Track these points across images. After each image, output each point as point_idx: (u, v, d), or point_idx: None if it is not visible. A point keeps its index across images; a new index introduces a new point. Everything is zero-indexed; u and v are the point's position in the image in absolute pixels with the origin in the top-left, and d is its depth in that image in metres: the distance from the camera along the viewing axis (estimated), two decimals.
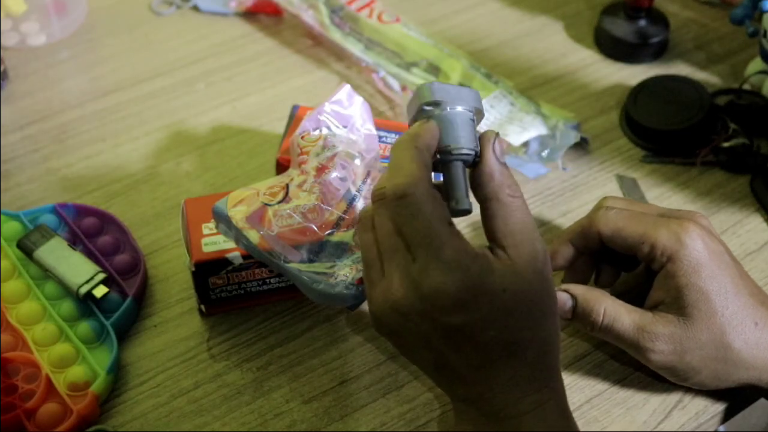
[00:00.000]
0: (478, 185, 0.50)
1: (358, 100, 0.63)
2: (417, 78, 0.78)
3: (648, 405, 0.60)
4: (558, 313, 0.52)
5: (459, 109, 0.51)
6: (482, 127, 0.54)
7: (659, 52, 0.84)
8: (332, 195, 0.57)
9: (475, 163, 0.51)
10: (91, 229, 0.67)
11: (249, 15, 0.88)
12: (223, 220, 0.57)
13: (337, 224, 0.57)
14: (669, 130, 0.75)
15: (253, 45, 0.85)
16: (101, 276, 0.62)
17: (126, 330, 0.63)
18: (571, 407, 0.52)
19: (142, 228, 0.69)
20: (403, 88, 0.78)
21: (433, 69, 0.79)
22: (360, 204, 0.58)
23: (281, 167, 0.67)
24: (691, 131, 0.75)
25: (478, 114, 0.52)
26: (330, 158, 0.58)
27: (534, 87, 0.81)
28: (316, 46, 0.84)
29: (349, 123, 0.61)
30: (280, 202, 0.57)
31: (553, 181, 0.74)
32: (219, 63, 0.83)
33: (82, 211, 0.69)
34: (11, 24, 0.82)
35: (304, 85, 0.81)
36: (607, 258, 0.62)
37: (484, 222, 0.51)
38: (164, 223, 0.70)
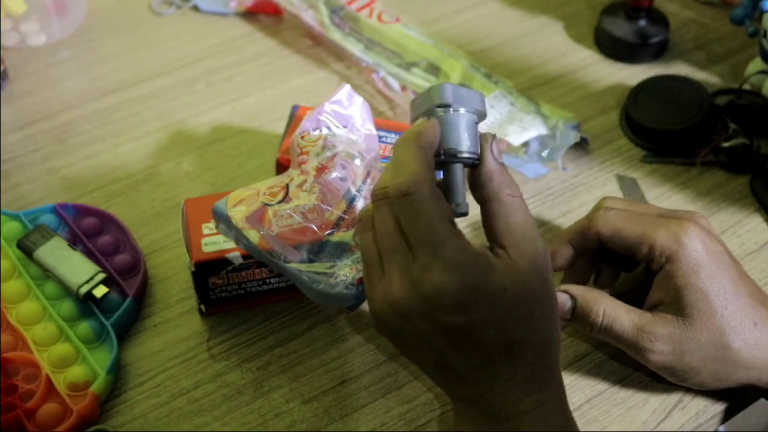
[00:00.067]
0: (478, 186, 0.51)
1: (358, 100, 0.63)
2: (417, 78, 0.78)
3: (648, 405, 0.60)
4: (558, 314, 0.52)
5: (463, 111, 0.51)
6: (482, 128, 0.54)
7: (659, 52, 0.84)
8: (332, 195, 0.57)
9: (473, 164, 0.51)
10: (91, 229, 0.67)
11: (249, 15, 0.88)
12: (223, 220, 0.57)
13: (337, 224, 0.57)
14: (669, 130, 0.75)
15: (253, 45, 0.85)
16: (101, 276, 0.62)
17: (126, 330, 0.63)
18: (571, 407, 0.52)
19: (142, 228, 0.69)
20: (403, 88, 0.78)
21: (433, 69, 0.79)
22: (360, 204, 0.58)
23: (281, 167, 0.67)
24: (691, 131, 0.75)
25: (481, 116, 0.52)
26: (330, 158, 0.58)
27: (534, 87, 0.81)
28: (316, 46, 0.84)
29: (349, 123, 0.61)
30: (280, 202, 0.57)
31: (553, 181, 0.74)
32: (219, 63, 0.83)
33: (82, 211, 0.69)
34: (11, 24, 0.82)
35: (304, 85, 0.81)
36: (607, 258, 0.62)
37: (484, 222, 0.51)
38: (164, 223, 0.70)
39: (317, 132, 0.60)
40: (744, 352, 0.56)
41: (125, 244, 0.67)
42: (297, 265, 0.55)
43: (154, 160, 0.75)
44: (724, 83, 0.82)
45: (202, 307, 0.63)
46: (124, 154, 0.75)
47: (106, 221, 0.68)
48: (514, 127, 0.73)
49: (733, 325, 0.55)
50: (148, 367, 0.62)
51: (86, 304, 0.62)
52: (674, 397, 0.60)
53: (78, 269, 0.62)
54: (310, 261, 0.56)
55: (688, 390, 0.60)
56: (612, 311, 0.56)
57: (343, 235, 0.57)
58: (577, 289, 0.58)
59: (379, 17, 0.82)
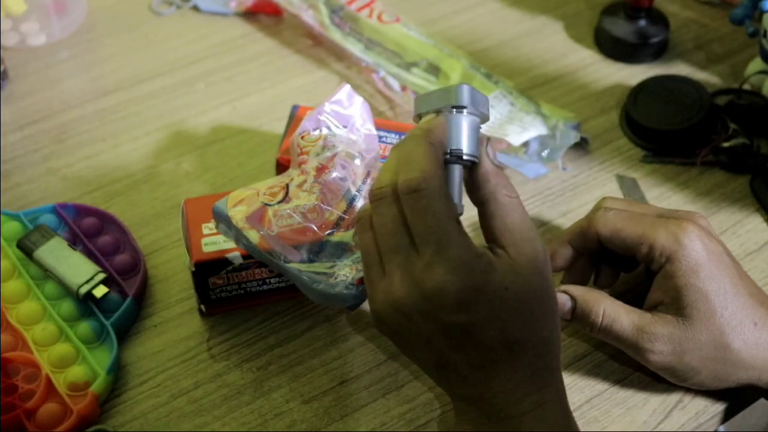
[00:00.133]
0: (475, 187, 0.51)
1: (358, 100, 0.63)
2: (417, 78, 0.78)
3: (648, 405, 0.60)
4: (558, 313, 0.52)
5: (473, 113, 0.51)
6: (482, 128, 0.54)
7: (659, 52, 0.84)
8: (332, 195, 0.57)
9: (471, 166, 0.51)
10: (91, 229, 0.67)
11: (249, 15, 0.88)
12: (223, 220, 0.57)
13: (337, 224, 0.57)
14: (669, 130, 0.75)
15: (253, 45, 0.85)
16: (101, 276, 0.62)
17: (126, 330, 0.63)
18: (571, 407, 0.52)
19: (142, 228, 0.69)
20: (403, 88, 0.78)
21: (433, 69, 0.79)
22: (360, 204, 0.58)
23: (281, 167, 0.67)
24: (691, 131, 0.75)
25: (484, 120, 0.53)
26: (330, 158, 0.58)
27: (534, 87, 0.81)
28: (316, 46, 0.84)
29: (349, 123, 0.62)
30: (280, 202, 0.57)
31: (553, 181, 0.74)
32: (219, 63, 0.83)
33: (82, 211, 0.69)
34: (11, 24, 0.82)
35: (304, 85, 0.81)
36: (607, 259, 0.62)
37: (482, 223, 0.51)
38: (164, 223, 0.70)
39: (317, 132, 0.60)
40: (744, 352, 0.56)
41: (125, 244, 0.67)
42: (297, 265, 0.55)
43: (154, 160, 0.75)
44: (724, 83, 0.82)
45: (202, 307, 0.63)
46: (124, 154, 0.75)
47: (106, 221, 0.68)
48: (514, 127, 0.73)
49: (732, 325, 0.55)
50: (148, 367, 0.62)
51: (86, 304, 0.62)
52: (674, 397, 0.60)
53: (78, 269, 0.62)
54: (310, 261, 0.56)
55: (688, 390, 0.60)
56: (612, 311, 0.56)
57: (343, 235, 0.57)
58: (576, 290, 0.58)
59: (379, 17, 0.82)
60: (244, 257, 0.60)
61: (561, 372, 0.51)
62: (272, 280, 0.62)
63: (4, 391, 0.58)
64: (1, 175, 0.73)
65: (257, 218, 0.56)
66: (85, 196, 0.72)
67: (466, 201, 0.51)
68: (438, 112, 0.51)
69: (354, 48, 0.81)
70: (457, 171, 0.51)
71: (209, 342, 0.63)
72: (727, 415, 0.59)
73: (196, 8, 0.88)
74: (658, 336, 0.56)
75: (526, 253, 0.49)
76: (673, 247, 0.56)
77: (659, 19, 0.84)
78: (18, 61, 0.82)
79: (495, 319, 0.47)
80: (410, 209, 0.48)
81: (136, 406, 0.60)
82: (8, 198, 0.71)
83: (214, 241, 0.60)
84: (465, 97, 0.51)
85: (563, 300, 0.57)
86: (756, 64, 0.80)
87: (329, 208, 0.57)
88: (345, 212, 0.57)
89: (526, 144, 0.73)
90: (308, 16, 0.83)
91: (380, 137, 0.67)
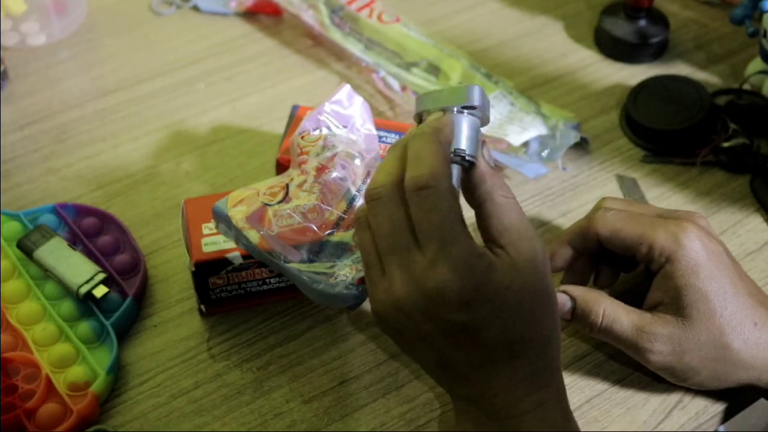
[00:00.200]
0: (471, 188, 0.51)
1: (358, 100, 0.63)
2: (417, 78, 0.78)
3: (648, 405, 0.60)
4: (558, 313, 0.52)
5: (478, 115, 0.51)
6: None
7: (659, 52, 0.84)
8: (332, 195, 0.57)
9: (467, 167, 0.51)
10: (91, 229, 0.67)
11: (249, 15, 0.88)
12: (223, 220, 0.57)
13: (337, 224, 0.57)
14: (669, 130, 0.75)
15: (253, 45, 0.85)
16: (101, 276, 0.62)
17: (126, 330, 0.63)
18: (571, 407, 0.52)
19: (142, 228, 0.69)
20: (403, 88, 0.78)
21: (433, 69, 0.79)
22: (360, 204, 0.58)
23: (281, 167, 0.67)
24: (691, 131, 0.75)
25: (485, 122, 0.53)
26: (330, 158, 0.58)
27: (534, 87, 0.81)
28: (316, 46, 0.84)
29: (349, 123, 0.62)
30: (280, 202, 0.57)
31: (553, 181, 0.74)
32: (219, 63, 0.83)
33: (82, 211, 0.69)
34: (11, 24, 0.82)
35: (304, 85, 0.81)
36: (606, 259, 0.62)
37: (479, 224, 0.51)
38: (164, 223, 0.70)
39: (317, 132, 0.60)
40: (744, 352, 0.56)
41: (125, 244, 0.67)
42: (297, 265, 0.56)
43: (154, 160, 0.75)
44: (724, 83, 0.82)
45: (202, 307, 0.63)
46: (124, 154, 0.75)
47: (106, 221, 0.68)
48: (514, 127, 0.73)
49: (732, 325, 0.55)
50: (148, 367, 0.62)
51: (86, 304, 0.62)
52: (674, 397, 0.60)
53: (78, 269, 0.62)
54: (310, 261, 0.56)
55: (688, 390, 0.60)
56: (611, 312, 0.56)
57: (343, 235, 0.57)
58: (576, 290, 0.58)
59: (379, 17, 0.82)
60: (244, 257, 0.60)
61: (561, 372, 0.51)
62: (272, 280, 0.62)
63: (4, 391, 0.58)
64: (1, 175, 0.73)
65: (257, 218, 0.56)
66: (85, 196, 0.72)
67: (462, 202, 0.51)
68: (443, 111, 0.51)
69: (354, 48, 0.81)
70: (456, 171, 0.51)
71: (209, 342, 0.63)
72: (727, 415, 0.59)
73: (196, 8, 0.88)
74: (658, 336, 0.56)
75: (525, 252, 0.49)
76: (673, 247, 0.56)
77: (659, 19, 0.84)
78: (18, 61, 0.82)
79: (496, 318, 0.47)
80: (417, 206, 0.48)
81: (136, 406, 0.60)
82: (8, 198, 0.71)
83: (214, 241, 0.60)
84: (477, 98, 0.51)
85: (563, 300, 0.57)
86: (756, 64, 0.80)
87: (329, 208, 0.57)
88: (345, 212, 0.57)
89: (526, 144, 0.73)
90: (308, 16, 0.83)
91: (380, 137, 0.67)
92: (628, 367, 0.62)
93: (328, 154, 0.59)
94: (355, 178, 0.59)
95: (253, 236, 0.56)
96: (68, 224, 0.67)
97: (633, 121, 0.77)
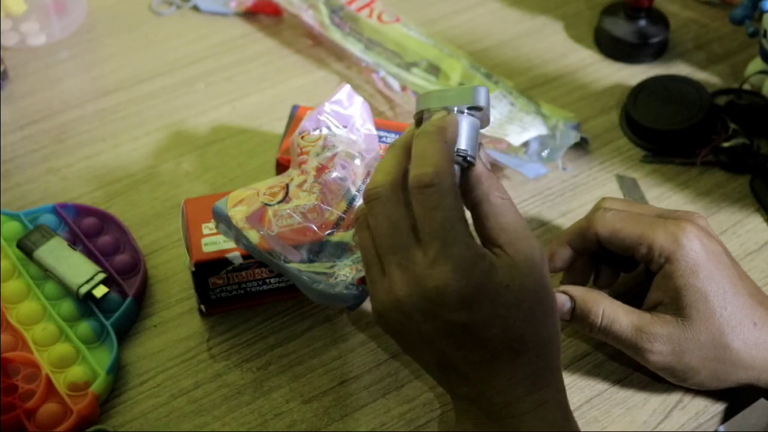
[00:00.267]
0: (467, 189, 0.50)
1: (358, 100, 0.63)
2: (417, 78, 0.78)
3: (648, 405, 0.60)
4: (557, 313, 0.52)
5: (468, 114, 0.51)
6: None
7: (659, 52, 0.84)
8: (332, 195, 0.57)
9: (465, 168, 0.51)
10: (91, 229, 0.67)
11: (249, 15, 0.88)
12: (223, 220, 0.57)
13: (337, 224, 0.57)
14: (669, 130, 0.75)
15: (253, 45, 0.85)
16: (101, 276, 0.62)
17: (126, 330, 0.63)
18: (571, 407, 0.52)
19: (142, 228, 0.69)
20: (403, 88, 0.78)
21: (433, 69, 0.79)
22: (360, 204, 0.58)
23: (281, 167, 0.67)
24: (691, 131, 0.75)
25: (485, 124, 0.53)
26: (330, 158, 0.58)
27: (534, 87, 0.81)
28: (316, 46, 0.84)
29: (349, 123, 0.62)
30: (280, 202, 0.57)
31: (553, 181, 0.74)
32: (219, 63, 0.83)
33: (82, 211, 0.69)
34: (11, 24, 0.82)
35: (304, 85, 0.81)
36: (606, 259, 0.62)
37: (476, 225, 0.51)
38: (164, 223, 0.70)
39: (317, 132, 0.60)
40: (743, 352, 0.56)
41: (125, 244, 0.67)
42: (297, 265, 0.56)
43: (154, 160, 0.75)
44: (724, 83, 0.82)
45: (202, 307, 0.63)
46: (124, 154, 0.75)
47: (106, 221, 0.68)
48: (514, 127, 0.73)
49: (732, 325, 0.55)
50: (148, 367, 0.62)
51: (86, 304, 0.62)
52: (674, 397, 0.60)
53: (78, 269, 0.62)
54: (310, 261, 0.56)
55: (688, 390, 0.60)
56: (611, 312, 0.56)
57: (343, 235, 0.57)
58: (576, 290, 0.58)
59: (379, 17, 0.82)
60: (244, 257, 0.60)
61: (561, 371, 0.51)
62: (272, 280, 0.62)
63: (4, 391, 0.58)
64: (1, 175, 0.73)
65: (257, 218, 0.56)
66: (85, 196, 0.72)
67: None
68: (447, 110, 0.51)
69: (354, 48, 0.81)
70: (456, 171, 0.51)
71: (209, 342, 0.63)
72: (727, 415, 0.59)
73: (196, 8, 0.88)
74: (658, 336, 0.56)
75: (523, 252, 0.49)
76: (672, 247, 0.56)
77: (659, 19, 0.84)
78: (18, 61, 0.82)
79: (496, 318, 0.48)
80: (420, 204, 0.48)
81: (136, 406, 0.60)
82: (8, 198, 0.71)
83: (214, 241, 0.60)
84: (483, 100, 0.51)
85: (563, 300, 0.57)
86: (756, 64, 0.80)
87: (329, 208, 0.57)
88: (345, 212, 0.57)
89: (526, 144, 0.73)
90: (308, 16, 0.83)
91: (380, 137, 0.67)
92: (628, 367, 0.62)
93: (328, 154, 0.59)
94: (355, 178, 0.59)
95: (253, 236, 0.56)
96: (68, 224, 0.67)
97: (633, 121, 0.77)
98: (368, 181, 0.58)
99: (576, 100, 0.80)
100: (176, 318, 0.64)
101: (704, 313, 0.55)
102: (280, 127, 0.74)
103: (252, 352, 0.63)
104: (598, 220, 0.59)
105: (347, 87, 0.63)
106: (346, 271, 0.55)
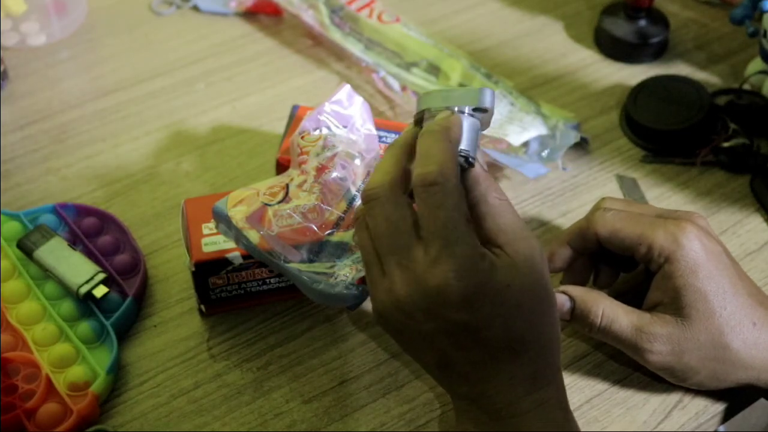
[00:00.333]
0: (465, 190, 0.50)
1: (358, 100, 0.63)
2: (417, 78, 0.78)
3: (648, 405, 0.60)
4: (557, 313, 0.52)
5: (469, 114, 0.51)
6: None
7: (659, 52, 0.84)
8: (332, 195, 0.57)
9: (464, 169, 0.51)
10: (91, 229, 0.67)
11: (249, 15, 0.88)
12: (223, 220, 0.57)
13: (337, 224, 0.57)
14: (669, 130, 0.75)
15: (253, 45, 0.85)
16: (101, 276, 0.62)
17: (126, 330, 0.63)
18: (571, 407, 0.52)
19: (142, 228, 0.69)
20: (403, 88, 0.78)
21: (433, 69, 0.79)
22: (359, 204, 0.58)
23: (281, 167, 0.67)
24: (691, 131, 0.75)
25: (485, 125, 0.53)
26: (330, 158, 0.58)
27: (534, 87, 0.81)
28: (316, 46, 0.84)
29: (349, 123, 0.62)
30: (280, 202, 0.57)
31: (553, 181, 0.74)
32: (219, 63, 0.83)
33: (82, 211, 0.69)
34: (11, 24, 0.82)
35: (304, 85, 0.81)
36: (606, 259, 0.62)
37: (474, 226, 0.51)
38: (164, 223, 0.70)
39: (317, 132, 0.60)
40: (743, 352, 0.56)
41: (125, 244, 0.67)
42: (297, 265, 0.56)
43: (154, 160, 0.75)
44: (724, 83, 0.82)
45: (202, 307, 0.63)
46: (124, 154, 0.75)
47: (106, 221, 0.68)
48: (514, 127, 0.73)
49: (731, 325, 0.55)
50: (148, 367, 0.62)
51: (86, 304, 0.62)
52: (674, 397, 0.60)
53: (78, 269, 0.62)
54: (310, 261, 0.56)
55: (688, 390, 0.60)
56: (611, 312, 0.56)
57: (343, 235, 0.57)
58: (576, 290, 0.58)
59: (379, 17, 0.82)
60: (244, 257, 0.60)
61: (561, 371, 0.51)
62: (272, 280, 0.62)
63: (4, 391, 0.58)
64: (1, 175, 0.73)
65: (257, 218, 0.56)
66: (85, 196, 0.72)
67: None
68: (449, 110, 0.51)
69: (354, 48, 0.81)
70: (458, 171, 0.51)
71: (209, 342, 0.63)
72: (727, 415, 0.59)
73: (196, 8, 0.88)
74: (657, 336, 0.56)
75: (523, 252, 0.49)
76: (672, 247, 0.56)
77: (659, 19, 0.84)
78: (18, 61, 0.82)
79: (497, 318, 0.48)
80: (424, 202, 0.48)
81: (136, 406, 0.60)
82: (8, 198, 0.71)
83: (214, 241, 0.60)
84: (489, 102, 0.51)
85: (562, 300, 0.57)
86: (756, 64, 0.80)
87: (329, 208, 0.57)
88: (345, 212, 0.57)
89: (526, 144, 0.73)
90: (308, 16, 0.83)
91: (380, 137, 0.67)
92: (628, 367, 0.62)
93: (328, 154, 0.59)
94: (355, 178, 0.59)
95: (253, 236, 0.56)
96: (68, 224, 0.67)
97: (633, 121, 0.77)
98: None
99: (576, 100, 0.80)
100: (176, 318, 0.64)
101: (704, 313, 0.55)
102: (280, 127, 0.74)
103: (252, 352, 0.63)
104: (597, 220, 0.59)
105: (347, 87, 0.63)
106: (346, 271, 0.55)
